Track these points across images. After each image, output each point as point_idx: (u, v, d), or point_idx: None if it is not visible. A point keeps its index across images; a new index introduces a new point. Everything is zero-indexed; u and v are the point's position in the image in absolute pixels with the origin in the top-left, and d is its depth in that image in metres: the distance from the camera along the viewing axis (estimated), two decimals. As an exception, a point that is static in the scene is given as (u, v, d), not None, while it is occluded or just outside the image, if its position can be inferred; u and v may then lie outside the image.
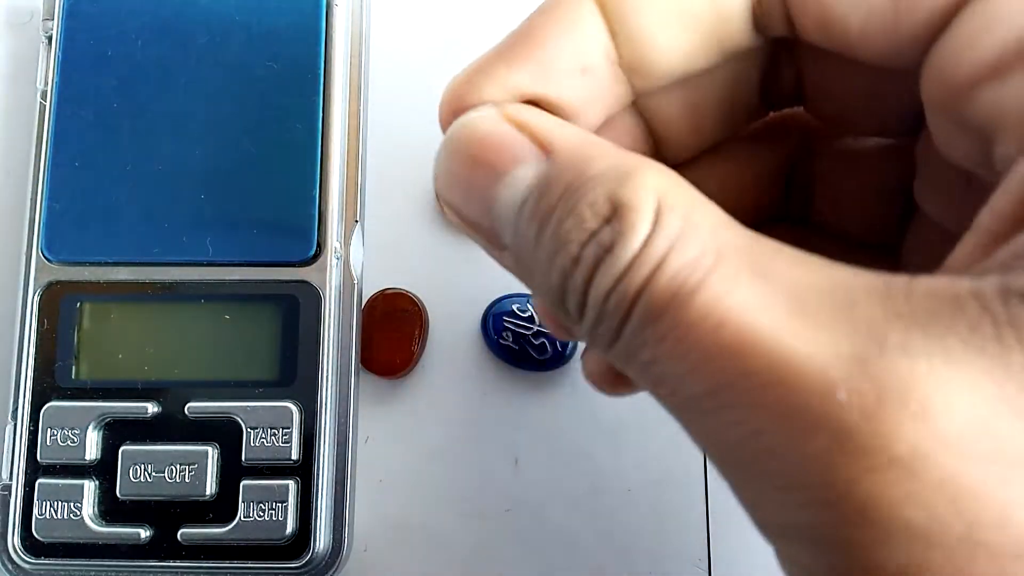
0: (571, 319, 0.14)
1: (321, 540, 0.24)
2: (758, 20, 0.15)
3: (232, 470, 0.24)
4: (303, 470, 0.24)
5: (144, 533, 0.24)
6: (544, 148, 0.14)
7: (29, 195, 0.26)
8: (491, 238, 0.15)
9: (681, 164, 0.18)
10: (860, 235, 0.19)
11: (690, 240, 0.12)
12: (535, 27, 0.15)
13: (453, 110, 0.15)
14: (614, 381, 0.18)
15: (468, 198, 0.15)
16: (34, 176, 0.26)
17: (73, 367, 0.25)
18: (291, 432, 0.24)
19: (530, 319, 0.26)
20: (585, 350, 0.19)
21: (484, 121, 0.15)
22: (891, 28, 0.14)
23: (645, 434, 0.26)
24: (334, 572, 0.24)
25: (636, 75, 0.16)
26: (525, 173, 0.14)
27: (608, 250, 0.13)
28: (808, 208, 0.20)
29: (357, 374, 0.25)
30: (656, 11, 0.15)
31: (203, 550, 0.24)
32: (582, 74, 0.15)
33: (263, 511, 0.24)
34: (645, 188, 0.13)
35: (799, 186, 0.19)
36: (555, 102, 0.15)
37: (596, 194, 0.13)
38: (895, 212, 0.18)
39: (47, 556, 0.24)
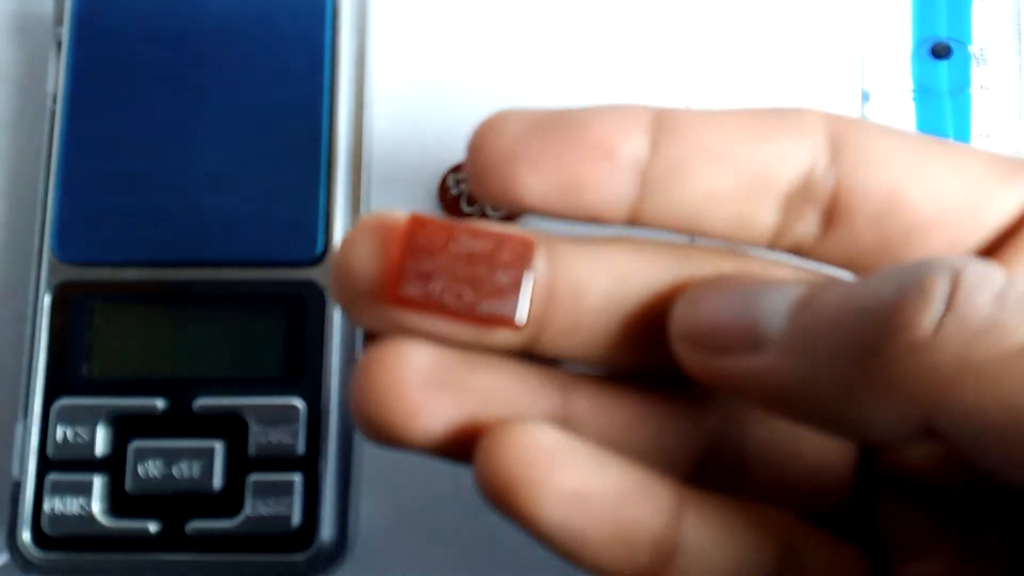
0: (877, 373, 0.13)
1: (327, 532, 0.24)
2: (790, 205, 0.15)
3: (239, 464, 0.25)
4: (309, 464, 0.24)
5: (153, 526, 0.24)
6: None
7: (40, 197, 0.26)
8: (747, 336, 0.14)
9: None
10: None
11: None
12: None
13: None
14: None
15: (726, 302, 0.14)
16: (44, 179, 0.26)
17: (83, 365, 0.25)
18: (297, 427, 0.25)
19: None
20: None
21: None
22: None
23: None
24: (340, 563, 0.25)
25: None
26: (793, 287, 0.14)
27: (956, 289, 0.12)
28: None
29: (361, 371, 0.26)
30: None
31: (211, 542, 0.24)
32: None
33: (269, 504, 0.24)
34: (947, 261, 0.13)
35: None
36: None
37: (900, 266, 0.13)
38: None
39: (57, 549, 0.25)
